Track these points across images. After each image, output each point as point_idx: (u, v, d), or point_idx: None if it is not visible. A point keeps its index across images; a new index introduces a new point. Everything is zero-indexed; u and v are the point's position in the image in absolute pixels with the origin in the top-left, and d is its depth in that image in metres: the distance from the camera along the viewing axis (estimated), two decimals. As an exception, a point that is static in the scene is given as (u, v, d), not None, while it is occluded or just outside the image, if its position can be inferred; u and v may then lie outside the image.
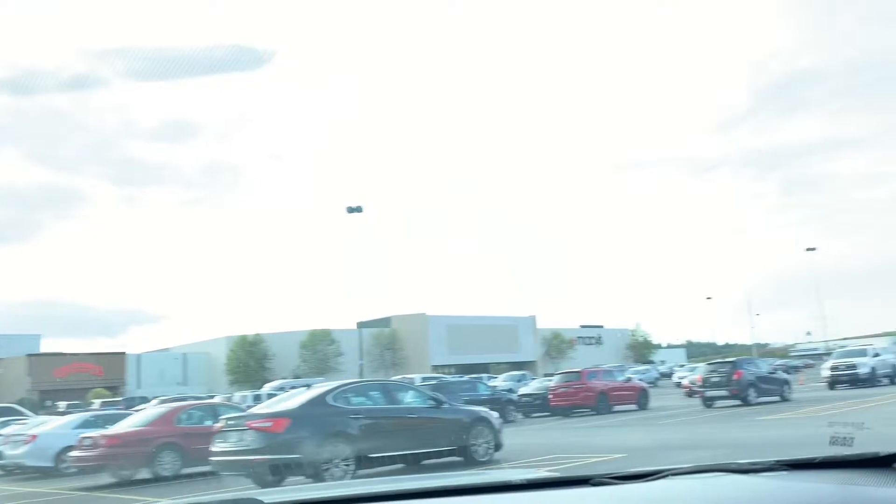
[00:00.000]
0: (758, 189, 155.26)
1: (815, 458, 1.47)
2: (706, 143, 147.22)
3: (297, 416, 9.85)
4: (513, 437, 15.79)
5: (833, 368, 29.92)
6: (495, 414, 11.86)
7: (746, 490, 1.34)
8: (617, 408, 25.16)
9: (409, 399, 11.17)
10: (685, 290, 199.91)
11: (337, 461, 9.53)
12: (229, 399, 29.99)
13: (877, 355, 31.10)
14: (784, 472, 1.42)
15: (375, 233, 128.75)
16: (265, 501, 1.50)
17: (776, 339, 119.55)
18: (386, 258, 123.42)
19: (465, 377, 31.25)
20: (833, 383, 29.09)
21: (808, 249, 70.22)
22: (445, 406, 11.41)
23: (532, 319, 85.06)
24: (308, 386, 12.29)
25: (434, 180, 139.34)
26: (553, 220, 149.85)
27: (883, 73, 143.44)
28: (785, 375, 25.61)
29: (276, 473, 9.56)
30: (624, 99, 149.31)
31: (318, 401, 10.14)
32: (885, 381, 29.45)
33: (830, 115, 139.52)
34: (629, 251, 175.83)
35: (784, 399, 23.11)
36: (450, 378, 28.72)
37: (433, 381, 25.11)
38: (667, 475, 1.44)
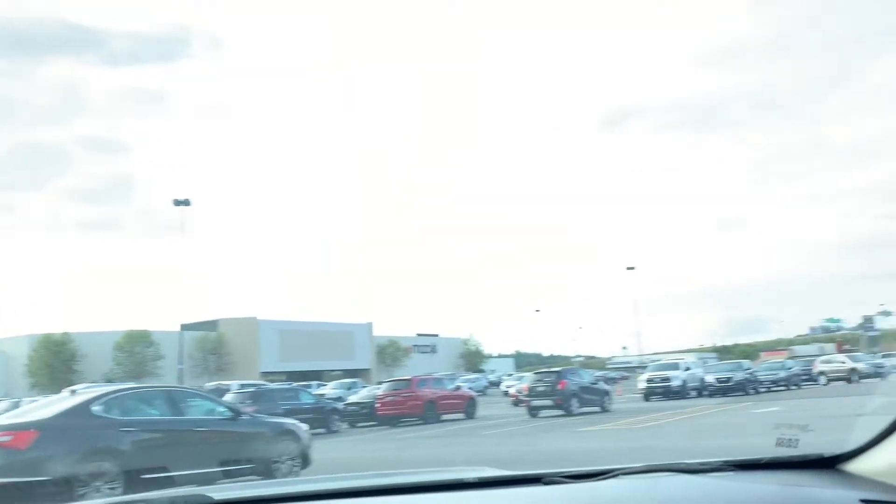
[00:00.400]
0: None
1: (761, 459, 1.54)
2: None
3: (47, 429, 7.97)
4: (329, 449, 14.57)
5: (649, 381, 31.41)
6: (304, 426, 10.58)
7: (694, 489, 1.36)
8: (445, 417, 24.72)
9: (198, 409, 9.59)
10: (516, 303, 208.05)
11: (99, 483, 7.81)
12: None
13: (688, 369, 33.18)
14: (731, 473, 1.47)
15: (205, 230, 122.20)
16: (215, 498, 1.50)
17: (598, 351, 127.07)
18: (216, 258, 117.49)
19: (287, 384, 29.49)
20: (648, 395, 30.48)
21: (628, 268, 74.84)
22: (244, 418, 9.96)
23: (368, 326, 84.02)
24: (73, 391, 10.29)
25: (269, 178, 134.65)
26: (394, 228, 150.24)
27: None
28: (606, 386, 26.32)
29: (19, 499, 7.66)
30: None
31: (80, 410, 8.31)
32: (694, 393, 31.32)
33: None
34: (466, 262, 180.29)
35: (604, 410, 23.59)
36: (270, 385, 26.87)
37: (251, 389, 23.24)
38: (617, 474, 1.46)
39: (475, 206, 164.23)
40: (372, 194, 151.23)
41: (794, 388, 33.89)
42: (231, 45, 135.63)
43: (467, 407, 25.57)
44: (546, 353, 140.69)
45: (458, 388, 27.70)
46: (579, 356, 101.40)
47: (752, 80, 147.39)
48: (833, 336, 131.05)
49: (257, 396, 21.40)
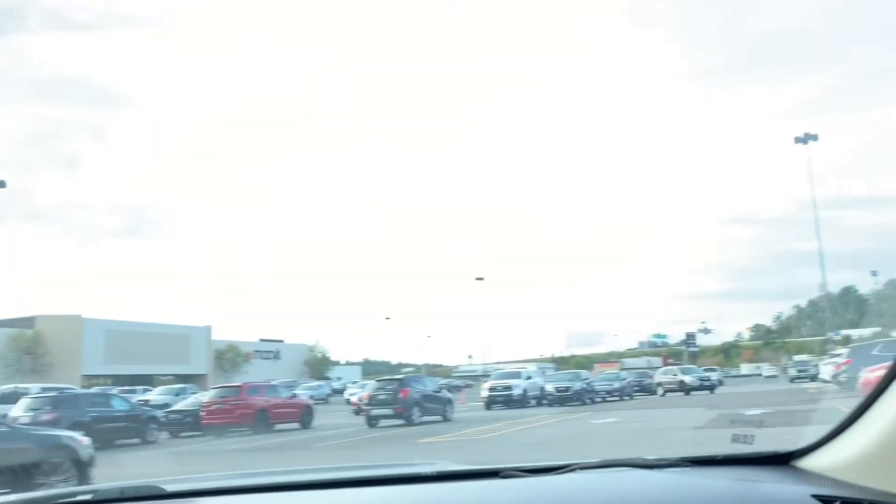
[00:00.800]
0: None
1: (717, 455, 1.57)
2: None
3: None
4: (130, 462, 12.66)
5: (491, 389, 31.24)
6: (85, 440, 8.80)
7: (650, 484, 1.38)
8: (279, 426, 23.06)
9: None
10: (366, 311, 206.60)
11: None
12: None
13: (529, 378, 33.37)
14: (687, 468, 1.49)
15: (26, 219, 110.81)
16: (167, 489, 1.52)
17: (445, 360, 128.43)
18: (36, 249, 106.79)
19: (98, 390, 26.50)
20: (490, 403, 30.30)
21: (477, 279, 75.72)
22: (3, 430, 8.10)
23: (207, 329, 79.42)
24: None
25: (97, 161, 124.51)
26: (242, 230, 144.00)
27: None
28: (449, 395, 25.72)
29: None
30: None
31: None
32: (534, 402, 31.55)
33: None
34: (315, 268, 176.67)
35: (446, 419, 22.98)
36: (77, 391, 23.93)
37: (52, 394, 20.36)
38: (574, 469, 1.47)
39: (327, 211, 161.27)
40: (221, 194, 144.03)
41: (627, 398, 35.16)
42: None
43: (303, 416, 24.02)
44: (395, 362, 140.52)
45: (293, 395, 26.05)
46: (429, 364, 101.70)
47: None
48: (659, 350, 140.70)
49: (59, 403, 18.83)
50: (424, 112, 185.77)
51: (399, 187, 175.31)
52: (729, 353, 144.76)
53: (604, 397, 34.04)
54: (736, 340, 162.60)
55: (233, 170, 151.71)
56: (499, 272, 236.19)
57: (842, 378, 23.40)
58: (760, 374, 79.92)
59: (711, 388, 37.88)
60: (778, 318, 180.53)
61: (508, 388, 30.91)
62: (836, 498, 1.14)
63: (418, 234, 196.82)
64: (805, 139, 42.89)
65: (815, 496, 1.15)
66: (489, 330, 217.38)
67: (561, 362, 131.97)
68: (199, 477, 1.88)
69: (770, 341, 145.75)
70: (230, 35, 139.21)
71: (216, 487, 1.64)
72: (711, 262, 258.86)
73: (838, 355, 29.92)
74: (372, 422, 21.85)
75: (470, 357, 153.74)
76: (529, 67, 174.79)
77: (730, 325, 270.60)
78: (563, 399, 30.70)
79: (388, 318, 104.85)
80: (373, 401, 22.25)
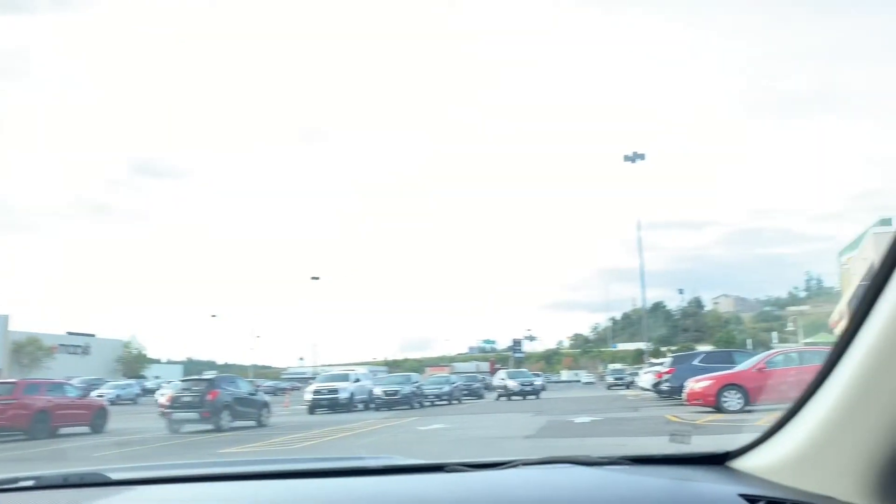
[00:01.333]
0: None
1: (656, 455, 1.61)
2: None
3: None
4: None
5: (315, 392, 29.35)
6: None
7: (589, 480, 1.42)
8: (64, 430, 20.02)
9: None
10: (190, 305, 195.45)
11: None
12: None
13: (357, 381, 31.86)
14: (626, 466, 1.51)
15: None
16: (112, 477, 1.51)
17: (276, 362, 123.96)
18: None
19: None
20: (313, 407, 28.43)
21: (313, 278, 73.24)
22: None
23: (3, 319, 70.69)
24: None
25: None
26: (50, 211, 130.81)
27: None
28: (265, 398, 23.63)
29: None
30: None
31: None
32: (361, 406, 30.18)
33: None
34: (133, 259, 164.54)
35: (261, 424, 21.03)
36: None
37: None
38: (517, 465, 1.50)
39: (153, 196, 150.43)
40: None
41: (455, 402, 34.75)
42: None
43: (94, 418, 20.99)
44: (221, 362, 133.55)
45: (85, 395, 22.83)
46: (258, 365, 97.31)
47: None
48: (488, 355, 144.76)
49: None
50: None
51: (239, 176, 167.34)
52: (551, 359, 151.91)
53: (433, 401, 33.41)
54: (557, 348, 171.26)
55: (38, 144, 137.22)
56: (335, 273, 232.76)
57: (664, 387, 23.76)
58: (579, 381, 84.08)
59: (537, 392, 39.04)
60: (595, 328, 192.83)
61: (334, 391, 29.22)
62: (761, 498, 1.17)
63: (253, 228, 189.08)
64: (633, 158, 44.01)
65: (742, 495, 1.18)
66: (322, 331, 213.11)
67: (394, 366, 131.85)
68: (145, 466, 1.82)
69: (587, 350, 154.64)
70: None
71: (161, 476, 1.63)
72: (541, 274, 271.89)
73: (660, 363, 31.11)
74: (174, 426, 19.41)
75: (301, 359, 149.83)
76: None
77: (553, 334, 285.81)
78: (392, 403, 29.74)
79: (213, 316, 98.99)
80: (176, 403, 19.77)
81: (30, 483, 1.53)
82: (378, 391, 30.93)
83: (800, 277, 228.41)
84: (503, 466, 1.49)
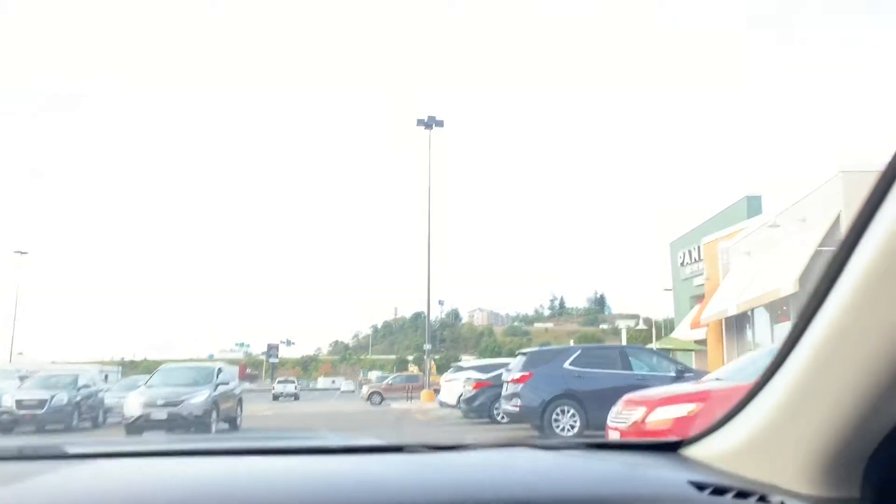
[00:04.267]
0: None
1: (611, 441, 1.72)
2: None
3: None
4: None
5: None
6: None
7: (544, 463, 1.43)
8: None
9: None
10: None
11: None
12: None
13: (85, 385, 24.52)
14: (581, 451, 1.54)
15: None
16: (69, 451, 1.47)
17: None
18: None
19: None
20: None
21: (18, 252, 59.91)
22: None
23: None
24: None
25: None
26: None
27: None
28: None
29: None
30: None
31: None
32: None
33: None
34: None
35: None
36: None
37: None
38: (476, 447, 1.51)
39: None
40: None
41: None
42: None
43: None
44: None
45: None
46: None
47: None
48: (238, 359, 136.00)
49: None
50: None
51: None
52: (308, 365, 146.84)
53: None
54: (316, 354, 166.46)
55: None
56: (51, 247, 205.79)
57: (476, 405, 17.61)
58: (338, 389, 79.77)
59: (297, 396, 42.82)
60: (356, 335, 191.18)
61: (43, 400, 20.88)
62: (709, 485, 1.19)
63: None
64: (429, 123, 35.71)
65: (691, 482, 1.21)
66: (37, 319, 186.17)
67: (130, 366, 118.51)
68: (103, 441, 1.79)
69: (347, 357, 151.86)
70: None
71: (119, 451, 1.57)
72: (302, 277, 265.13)
73: (476, 368, 22.89)
74: None
75: (20, 354, 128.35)
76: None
77: (312, 340, 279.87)
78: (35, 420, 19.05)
79: None
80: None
81: None
82: (8, 401, 19.21)
83: (545, 297, 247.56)
84: (461, 449, 1.50)
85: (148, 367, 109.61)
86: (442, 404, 22.17)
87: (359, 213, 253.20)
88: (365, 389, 41.71)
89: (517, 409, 13.46)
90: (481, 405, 16.89)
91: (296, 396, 49.68)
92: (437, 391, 32.13)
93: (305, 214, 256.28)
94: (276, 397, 48.69)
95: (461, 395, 18.34)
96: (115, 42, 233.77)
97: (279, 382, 52.88)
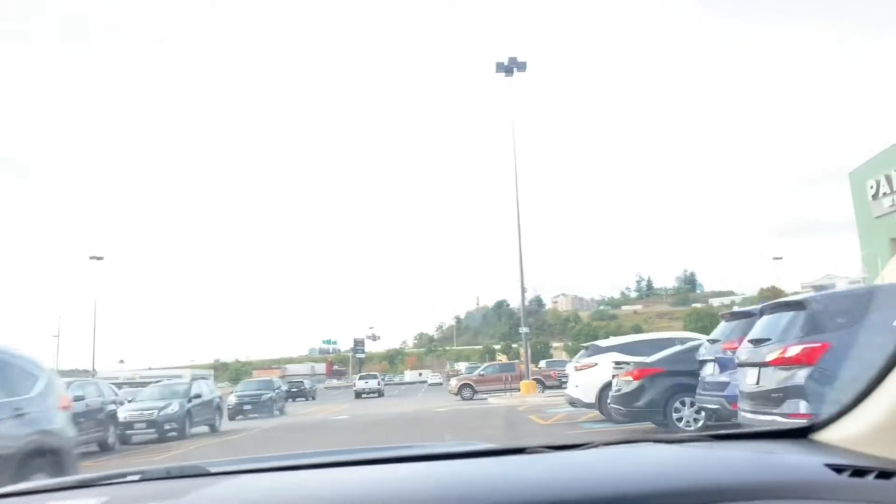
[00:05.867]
0: None
1: (736, 431, 1.61)
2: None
3: None
4: None
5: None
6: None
7: (670, 457, 1.43)
8: None
9: None
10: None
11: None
12: None
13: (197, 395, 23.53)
14: (706, 442, 1.53)
15: None
16: (211, 470, 1.57)
17: (85, 363, 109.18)
18: None
19: None
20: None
21: (94, 258, 60.85)
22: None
23: None
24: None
25: None
26: None
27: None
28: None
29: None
30: None
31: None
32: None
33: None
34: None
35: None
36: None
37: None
38: (597, 445, 1.51)
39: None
40: None
41: (275, 413, 27.52)
42: None
43: None
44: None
45: None
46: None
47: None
48: (326, 356, 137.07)
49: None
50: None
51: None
52: (394, 359, 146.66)
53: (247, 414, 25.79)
54: (401, 347, 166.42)
55: None
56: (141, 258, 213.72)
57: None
58: (425, 381, 77.82)
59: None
60: (440, 327, 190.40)
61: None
62: (847, 467, 1.19)
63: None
64: (509, 67, 31.61)
65: (827, 465, 1.20)
66: (135, 328, 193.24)
67: (222, 368, 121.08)
68: (241, 459, 1.81)
69: (433, 349, 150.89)
70: None
71: (257, 467, 1.65)
72: (385, 272, 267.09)
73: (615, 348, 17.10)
74: None
75: (121, 362, 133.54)
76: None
77: (397, 333, 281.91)
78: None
79: None
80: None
81: (136, 478, 1.60)
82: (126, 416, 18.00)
83: (630, 278, 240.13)
84: (583, 447, 1.51)
85: (237, 369, 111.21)
86: (573, 402, 15.33)
87: (433, 200, 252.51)
88: (453, 382, 35.50)
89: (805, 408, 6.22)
90: (652, 403, 11.25)
91: (379, 393, 46.41)
92: (539, 382, 32.22)
93: (384, 209, 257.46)
94: (358, 395, 45.60)
95: (609, 388, 12.84)
96: (208, 41, 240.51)
97: (360, 378, 49.37)
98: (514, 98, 32.26)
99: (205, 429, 19.73)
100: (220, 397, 21.97)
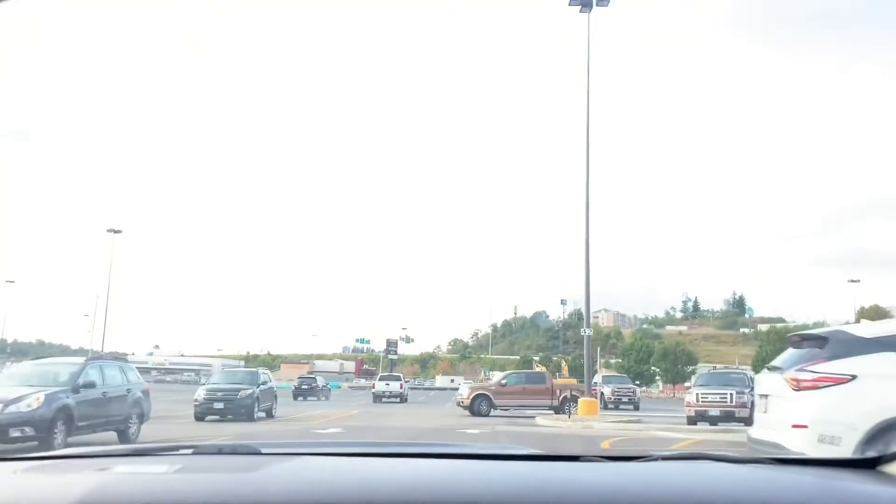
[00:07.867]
0: None
1: (803, 457, 1.58)
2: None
3: None
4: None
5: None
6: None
7: (734, 477, 1.35)
8: None
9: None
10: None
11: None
12: None
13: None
14: (772, 465, 1.45)
15: None
16: (263, 451, 1.59)
17: (121, 347, 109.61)
18: None
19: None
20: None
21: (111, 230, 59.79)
22: None
23: None
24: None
25: None
26: None
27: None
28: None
29: None
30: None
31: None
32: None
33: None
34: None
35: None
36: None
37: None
38: (655, 458, 1.45)
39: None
40: None
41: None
42: None
43: None
44: (32, 340, 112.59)
45: None
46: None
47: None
48: (357, 355, 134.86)
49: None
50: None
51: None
52: (426, 363, 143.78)
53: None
54: (435, 352, 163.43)
55: None
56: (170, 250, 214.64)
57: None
58: (457, 388, 74.36)
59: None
60: (475, 334, 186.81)
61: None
62: None
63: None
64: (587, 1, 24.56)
65: None
66: (176, 318, 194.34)
67: (252, 360, 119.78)
68: (291, 443, 1.83)
69: (467, 355, 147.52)
70: None
71: (307, 451, 1.66)
72: (423, 274, 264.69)
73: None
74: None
75: (157, 347, 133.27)
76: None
77: (432, 337, 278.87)
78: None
79: (11, 282, 79.83)
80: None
81: (189, 451, 1.65)
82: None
83: (676, 298, 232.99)
84: (640, 460, 1.45)
85: (266, 362, 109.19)
86: (753, 442, 6.93)
87: (475, 204, 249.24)
88: (465, 392, 26.40)
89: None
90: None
91: (401, 398, 40.42)
92: (593, 396, 23.74)
93: (425, 211, 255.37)
94: (377, 398, 39.66)
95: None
96: (243, 28, 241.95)
97: (380, 379, 42.72)
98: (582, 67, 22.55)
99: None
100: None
